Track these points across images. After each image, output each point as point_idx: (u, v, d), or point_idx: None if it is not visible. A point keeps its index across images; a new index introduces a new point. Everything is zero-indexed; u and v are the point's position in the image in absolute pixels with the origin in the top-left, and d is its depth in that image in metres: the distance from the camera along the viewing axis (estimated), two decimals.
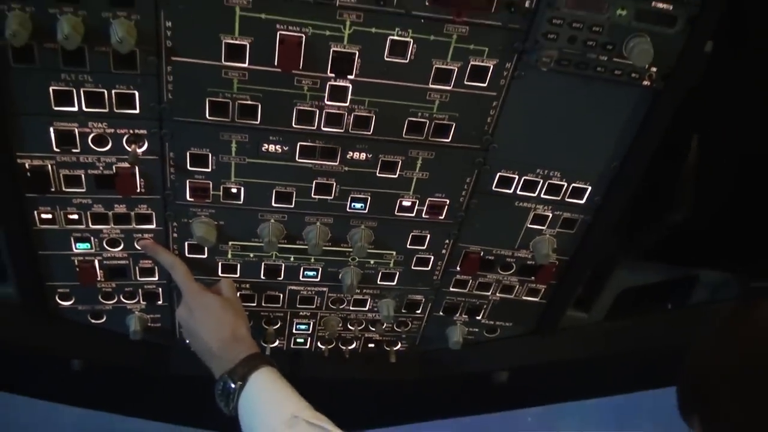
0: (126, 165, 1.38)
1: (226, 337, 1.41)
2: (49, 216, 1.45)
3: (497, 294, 1.74)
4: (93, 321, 1.66)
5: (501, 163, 1.46)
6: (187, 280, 1.49)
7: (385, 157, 1.42)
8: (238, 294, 1.59)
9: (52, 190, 1.40)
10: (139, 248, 1.54)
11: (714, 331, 1.07)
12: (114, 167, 1.39)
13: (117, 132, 1.34)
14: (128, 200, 1.46)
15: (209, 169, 1.41)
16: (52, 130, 1.32)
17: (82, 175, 1.40)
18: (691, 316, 1.93)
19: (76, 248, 1.52)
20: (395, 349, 1.86)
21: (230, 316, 1.45)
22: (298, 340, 1.82)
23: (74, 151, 1.35)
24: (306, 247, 1.54)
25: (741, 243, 1.73)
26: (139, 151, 1.36)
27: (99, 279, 1.58)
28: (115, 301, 1.63)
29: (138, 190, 1.43)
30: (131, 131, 1.34)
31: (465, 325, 1.81)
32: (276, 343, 1.79)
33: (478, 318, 1.80)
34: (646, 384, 2.15)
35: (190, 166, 1.40)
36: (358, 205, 1.50)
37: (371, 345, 1.86)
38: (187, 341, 1.53)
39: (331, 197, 1.48)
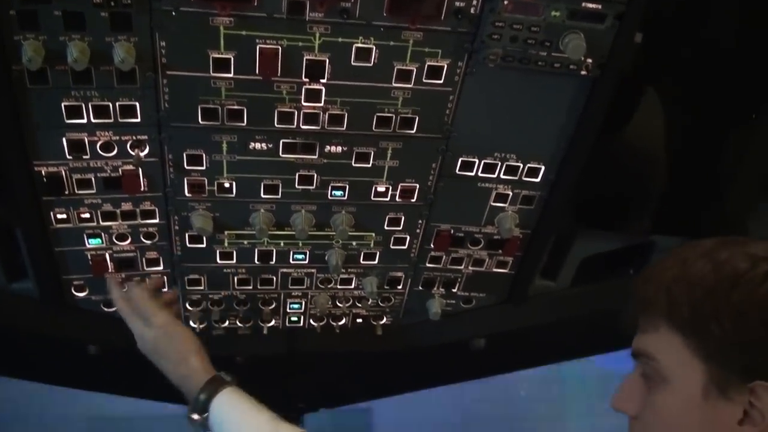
0: (130, 167, 1.56)
1: (180, 373, 1.45)
2: (64, 216, 1.62)
3: (469, 267, 1.91)
4: (105, 309, 1.83)
5: (462, 149, 1.64)
6: (153, 314, 1.52)
7: (358, 149, 1.60)
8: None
9: (66, 192, 1.57)
10: (145, 241, 1.72)
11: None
12: (120, 170, 1.56)
13: (121, 139, 1.51)
14: (134, 198, 1.63)
15: (204, 167, 1.58)
16: (64, 140, 1.49)
17: (92, 178, 1.56)
18: None
19: (88, 244, 1.69)
20: (381, 323, 2.04)
21: (174, 349, 1.47)
22: (293, 318, 1.99)
23: (84, 157, 1.52)
24: (294, 233, 1.71)
25: (688, 209, 1.91)
26: (142, 154, 1.53)
27: (110, 270, 1.75)
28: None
29: (142, 189, 1.60)
30: (134, 137, 1.51)
31: (443, 298, 1.98)
32: (272, 323, 1.98)
33: (454, 290, 1.97)
34: (615, 345, 2.32)
35: (187, 166, 1.58)
36: (338, 193, 1.67)
37: (359, 320, 2.03)
38: None
39: (313, 187, 1.65)
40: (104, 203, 1.62)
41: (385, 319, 2.04)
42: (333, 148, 1.59)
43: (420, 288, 1.96)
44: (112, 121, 1.47)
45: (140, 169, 1.57)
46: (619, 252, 2.02)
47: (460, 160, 1.66)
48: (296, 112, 1.51)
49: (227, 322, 1.95)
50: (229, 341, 1.98)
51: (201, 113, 1.49)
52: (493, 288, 1.99)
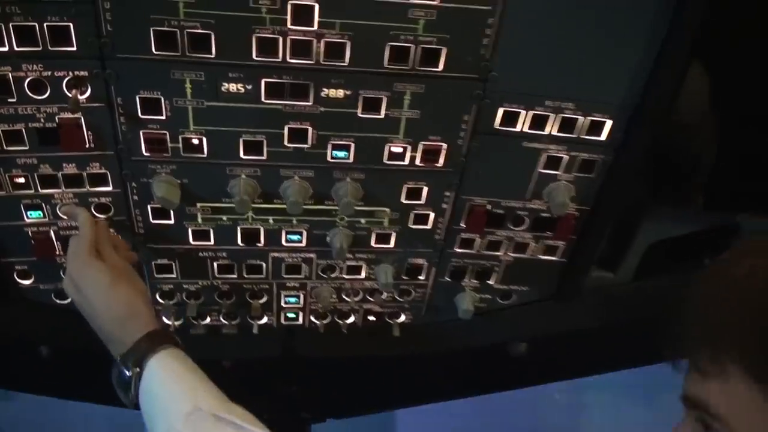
0: (69, 115, 1.20)
1: (120, 315, 1.17)
2: None
3: (510, 254, 1.54)
4: (58, 301, 1.49)
5: (503, 96, 1.26)
6: (84, 245, 1.23)
7: (366, 93, 1.22)
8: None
9: None
10: (97, 214, 1.36)
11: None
12: (57, 118, 1.21)
13: (55, 75, 1.16)
14: (78, 158, 1.28)
15: (164, 117, 1.22)
16: None
17: (23, 130, 1.22)
18: None
19: (28, 217, 1.35)
20: (399, 321, 1.67)
21: (123, 288, 1.19)
22: (289, 314, 1.63)
23: (10, 100, 1.18)
24: (285, 206, 1.35)
25: None
26: (82, 97, 1.18)
27: (58, 252, 1.41)
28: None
29: (87, 146, 1.25)
30: (71, 73, 1.16)
31: (475, 291, 1.61)
32: (265, 320, 1.62)
33: (489, 282, 1.60)
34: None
35: (142, 114, 1.22)
36: (340, 154, 1.30)
37: (372, 318, 1.66)
38: None
39: (308, 145, 1.28)
40: (41, 164, 1.28)
41: (403, 316, 1.67)
42: (332, 92, 1.22)
43: (447, 279, 1.59)
44: (40, 49, 1.13)
45: (82, 119, 1.22)
46: (696, 236, 1.61)
47: (501, 110, 1.28)
48: (281, 39, 1.14)
49: (209, 319, 1.60)
50: (212, 342, 1.63)
51: (154, 40, 1.13)
52: (539, 280, 1.61)
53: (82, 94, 1.17)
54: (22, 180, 1.29)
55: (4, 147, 1.23)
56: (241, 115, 1.23)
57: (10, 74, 1.14)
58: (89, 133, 1.23)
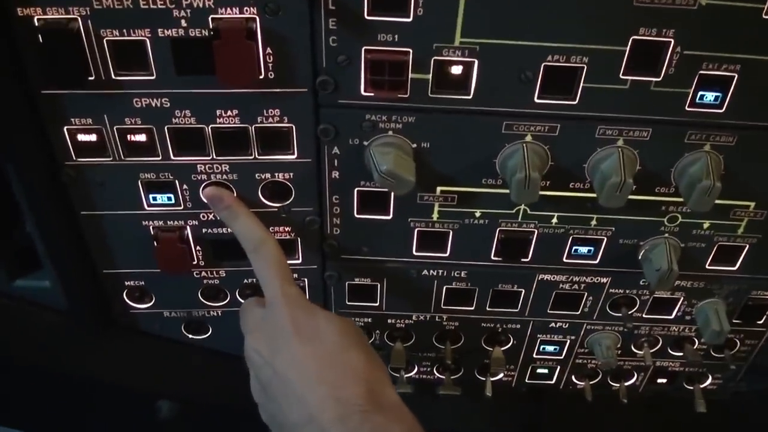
0: (236, 15, 0.68)
1: (351, 398, 0.70)
2: (92, 137, 0.78)
3: None
4: (191, 336, 1.06)
5: None
6: (282, 279, 0.79)
7: None
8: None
9: (91, 78, 0.73)
10: (268, 203, 0.85)
11: None
12: (210, 19, 0.68)
13: None
14: (241, 99, 0.75)
15: (409, 18, 0.68)
16: None
17: (147, 42, 0.70)
18: None
19: (150, 203, 0.86)
20: (703, 386, 1.09)
21: (362, 357, 0.74)
22: (540, 370, 1.11)
23: None
24: (587, 194, 0.82)
25: None
26: None
27: (197, 261, 0.94)
28: (226, 301, 1.00)
29: (261, 75, 0.72)
30: None
31: None
32: (500, 375, 1.11)
33: None
34: None
35: (371, 12, 0.68)
36: (710, 96, 0.74)
37: (661, 381, 1.10)
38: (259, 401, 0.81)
39: (658, 79, 0.73)
40: (177, 108, 0.76)
41: (710, 379, 1.10)
42: None
43: None
44: None
45: (257, 21, 0.68)
46: None
47: None
48: None
49: (416, 370, 1.11)
50: (420, 405, 1.08)
51: None
52: None
53: None
54: (142, 137, 0.78)
55: (113, 75, 0.72)
56: (558, 14, 0.67)
57: None
58: (267, 50, 0.70)
